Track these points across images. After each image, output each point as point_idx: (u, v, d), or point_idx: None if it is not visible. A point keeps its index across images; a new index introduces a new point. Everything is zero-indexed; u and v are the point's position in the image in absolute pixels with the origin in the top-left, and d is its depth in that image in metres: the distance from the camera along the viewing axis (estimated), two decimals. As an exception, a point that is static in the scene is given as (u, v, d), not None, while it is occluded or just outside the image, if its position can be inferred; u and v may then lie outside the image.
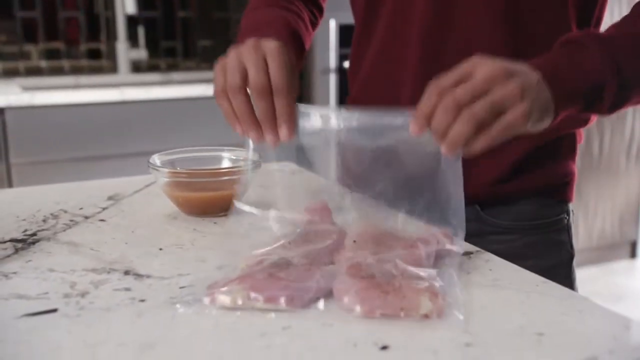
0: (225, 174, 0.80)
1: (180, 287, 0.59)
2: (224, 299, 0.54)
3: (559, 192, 0.88)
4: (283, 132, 0.65)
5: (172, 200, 0.82)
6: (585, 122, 0.87)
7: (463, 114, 0.58)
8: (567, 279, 0.87)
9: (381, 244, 0.62)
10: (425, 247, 0.60)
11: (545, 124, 0.64)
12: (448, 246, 0.62)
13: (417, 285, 0.55)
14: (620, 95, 0.67)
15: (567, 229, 0.89)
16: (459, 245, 0.63)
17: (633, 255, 3.10)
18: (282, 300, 0.54)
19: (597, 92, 0.66)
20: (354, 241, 0.63)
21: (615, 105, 0.68)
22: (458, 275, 0.59)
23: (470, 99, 0.58)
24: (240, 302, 0.54)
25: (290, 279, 0.56)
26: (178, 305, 0.55)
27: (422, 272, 0.57)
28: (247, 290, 0.54)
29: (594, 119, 0.89)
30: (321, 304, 0.55)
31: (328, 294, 0.56)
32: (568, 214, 0.89)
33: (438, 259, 0.62)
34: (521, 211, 0.87)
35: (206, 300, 0.55)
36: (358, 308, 0.53)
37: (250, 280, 0.56)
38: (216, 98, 0.67)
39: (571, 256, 0.90)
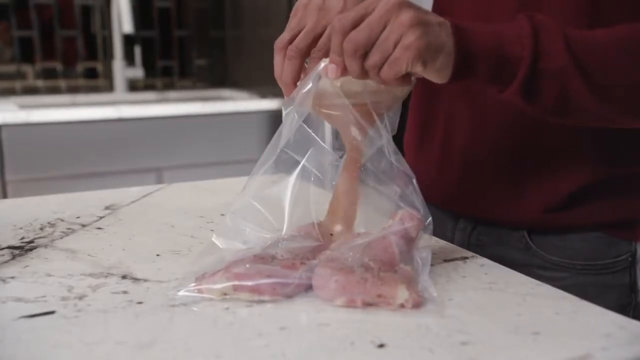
0: None
1: (174, 287, 0.59)
2: (210, 289, 0.57)
3: (622, 229, 0.80)
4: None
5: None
6: None
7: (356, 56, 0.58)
8: None
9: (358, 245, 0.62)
10: (397, 242, 0.61)
11: (444, 71, 0.61)
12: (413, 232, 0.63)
13: (395, 275, 0.57)
14: (533, 79, 0.62)
15: (630, 272, 0.80)
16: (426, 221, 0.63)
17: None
18: (266, 291, 0.56)
19: (504, 60, 0.62)
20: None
21: (528, 89, 0.63)
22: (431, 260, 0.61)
23: (367, 40, 0.58)
24: (225, 292, 0.56)
25: (274, 271, 0.58)
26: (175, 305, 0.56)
27: (399, 269, 0.59)
28: (232, 281, 0.56)
29: None
30: (304, 295, 0.57)
31: (310, 286, 0.58)
32: (634, 255, 0.80)
33: (411, 243, 0.63)
34: (575, 248, 0.79)
35: (194, 291, 0.57)
36: (338, 297, 0.55)
37: (235, 271, 0.57)
38: None
39: (630, 302, 0.80)
